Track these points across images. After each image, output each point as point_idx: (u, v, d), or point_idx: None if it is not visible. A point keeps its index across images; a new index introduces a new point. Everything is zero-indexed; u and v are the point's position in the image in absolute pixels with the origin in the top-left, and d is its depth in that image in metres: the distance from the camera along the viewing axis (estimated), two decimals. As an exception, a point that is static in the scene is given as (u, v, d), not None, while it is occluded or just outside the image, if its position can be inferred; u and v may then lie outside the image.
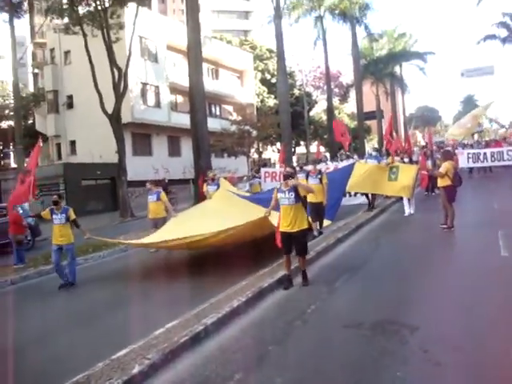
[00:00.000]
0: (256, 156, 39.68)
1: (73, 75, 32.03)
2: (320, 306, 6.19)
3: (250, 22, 73.28)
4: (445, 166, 10.62)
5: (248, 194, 14.71)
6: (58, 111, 34.06)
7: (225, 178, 16.09)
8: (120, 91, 22.87)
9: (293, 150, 38.36)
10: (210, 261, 9.55)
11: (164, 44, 33.72)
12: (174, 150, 35.25)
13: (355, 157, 21.02)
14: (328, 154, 37.85)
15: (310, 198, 10.49)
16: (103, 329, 6.26)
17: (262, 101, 44.39)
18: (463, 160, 20.71)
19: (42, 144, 12.25)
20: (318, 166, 14.59)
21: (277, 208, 7.35)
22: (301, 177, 10.99)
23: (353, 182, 13.07)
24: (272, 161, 44.32)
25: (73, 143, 33.60)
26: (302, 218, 7.03)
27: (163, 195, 12.06)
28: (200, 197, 16.17)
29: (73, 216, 9.02)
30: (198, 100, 20.85)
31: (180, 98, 35.59)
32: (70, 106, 33.49)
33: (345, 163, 17.03)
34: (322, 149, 47.09)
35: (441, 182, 10.77)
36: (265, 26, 47.34)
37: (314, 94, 50.55)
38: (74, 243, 9.19)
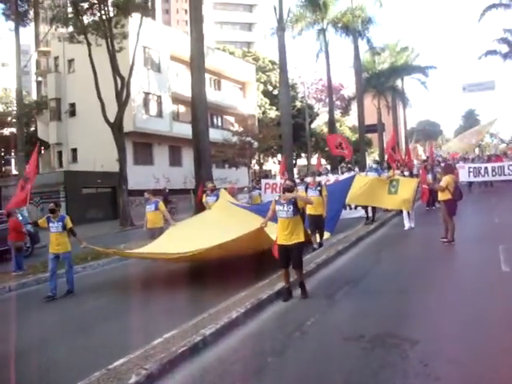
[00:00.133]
0: (257, 167, 39.72)
1: (76, 83, 32.20)
2: (319, 318, 6.15)
3: (253, 34, 73.90)
4: (445, 180, 10.62)
5: (247, 205, 14.74)
6: (61, 119, 34.18)
7: (225, 189, 16.11)
8: (122, 100, 22.98)
9: (294, 161, 38.40)
10: (209, 271, 9.50)
11: (167, 54, 33.93)
12: (175, 160, 35.31)
13: (356, 169, 21.09)
14: (329, 167, 37.90)
15: (310, 211, 10.49)
16: (100, 338, 6.22)
17: (263, 112, 44.56)
18: (464, 174, 20.74)
19: (39, 150, 12.28)
20: (319, 179, 14.63)
21: (274, 219, 7.31)
22: (300, 188, 10.98)
23: (352, 194, 13.03)
24: (273, 172, 44.37)
25: (74, 151, 33.66)
26: (299, 230, 6.95)
27: (161, 205, 12.02)
28: (197, 207, 16.20)
29: (69, 224, 8.96)
30: (200, 110, 20.91)
31: (182, 108, 35.75)
32: (73, 113, 33.62)
33: (346, 176, 17.03)
34: (323, 161, 47.18)
35: (441, 196, 10.76)
36: (268, 38, 47.37)
37: (316, 107, 50.75)
38: (71, 251, 9.13)
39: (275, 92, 44.36)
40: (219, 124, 40.89)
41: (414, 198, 13.07)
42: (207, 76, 27.09)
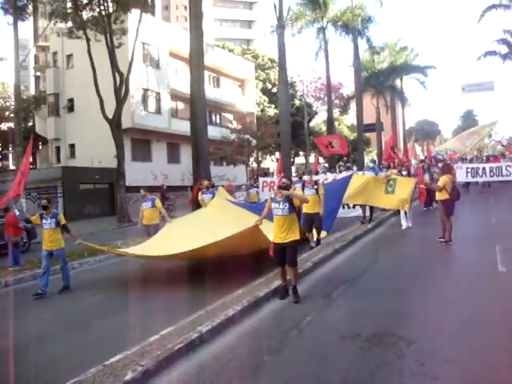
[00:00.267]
0: (255, 165, 39.71)
1: (74, 79, 32.11)
2: (316, 317, 6.15)
3: (252, 32, 73.78)
4: (443, 180, 10.62)
5: (244, 203, 14.75)
6: (59, 114, 34.08)
7: (222, 187, 16.11)
8: (121, 96, 22.94)
9: (292, 160, 38.40)
10: (206, 269, 9.50)
11: (166, 50, 33.85)
12: (173, 157, 35.26)
13: (354, 168, 21.10)
14: (327, 165, 37.91)
15: (306, 209, 10.48)
16: (97, 334, 6.21)
17: (262, 110, 44.53)
18: (462, 174, 20.77)
19: (34, 145, 12.29)
20: (317, 177, 14.63)
21: (269, 217, 7.29)
22: (298, 187, 10.99)
23: (350, 193, 13.01)
24: (271, 170, 44.36)
25: (72, 147, 33.57)
26: (294, 228, 6.92)
27: (158, 202, 12.04)
28: (190, 204, 16.24)
29: (63, 221, 8.91)
30: (199, 107, 20.85)
31: (181, 105, 35.68)
32: (71, 109, 33.53)
33: (344, 174, 17.03)
34: (322, 160, 47.18)
35: (439, 196, 10.77)
36: (267, 36, 47.29)
37: (315, 105, 50.71)
38: (65, 248, 9.07)
39: (274, 90, 44.31)
40: (218, 121, 40.84)
41: (411, 198, 13.06)
42: (206, 73, 27.01)
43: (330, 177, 17.68)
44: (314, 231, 10.98)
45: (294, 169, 39.08)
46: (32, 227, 15.02)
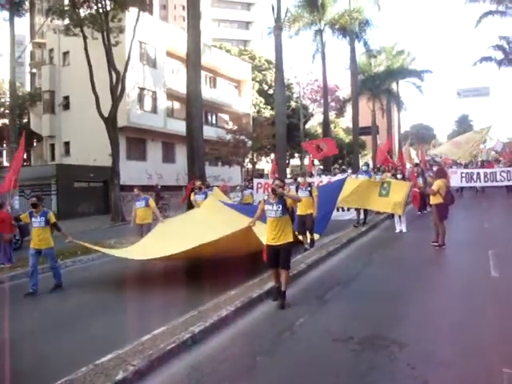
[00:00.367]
0: (250, 166, 39.71)
1: (70, 76, 31.96)
2: (309, 319, 6.15)
3: (250, 33, 73.79)
4: (437, 184, 10.66)
5: (237, 205, 14.74)
6: (54, 112, 33.92)
7: (217, 187, 16.12)
8: (117, 95, 22.86)
9: (287, 162, 38.43)
10: (200, 269, 9.47)
11: (163, 50, 33.79)
12: (169, 157, 35.18)
13: (349, 171, 21.14)
14: (322, 167, 37.95)
15: (300, 211, 10.50)
16: (88, 333, 6.17)
17: (258, 111, 44.53)
18: (456, 179, 20.83)
19: (28, 142, 12.24)
20: (312, 179, 14.65)
21: (263, 219, 7.24)
22: (292, 188, 10.99)
23: (343, 197, 12.99)
24: (266, 171, 44.37)
25: (67, 144, 33.40)
26: (287, 231, 6.86)
27: (152, 201, 12.01)
28: (183, 203, 16.26)
29: (53, 219, 8.76)
30: (195, 107, 20.84)
31: (177, 105, 35.65)
32: (66, 107, 33.37)
33: (339, 177, 17.05)
34: (317, 162, 47.20)
35: (433, 200, 10.81)
36: (265, 37, 47.36)
37: (311, 107, 50.75)
38: (58, 246, 8.96)
39: (270, 91, 44.32)
40: (213, 122, 40.82)
41: (405, 202, 13.08)
42: (203, 73, 27.00)
43: (325, 179, 17.71)
44: (308, 233, 10.99)
45: (288, 170, 39.12)
46: (25, 224, 14.93)
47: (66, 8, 22.71)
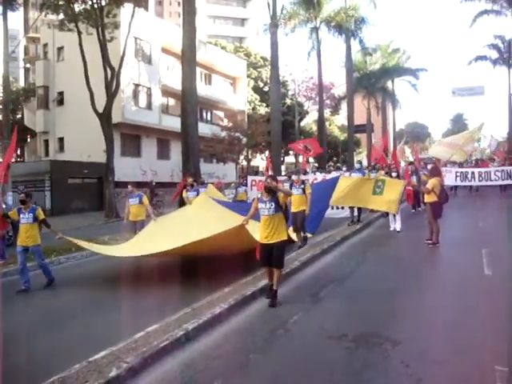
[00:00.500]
0: (245, 163, 39.68)
1: (65, 72, 31.79)
2: (303, 316, 6.15)
3: (245, 29, 73.61)
4: (431, 182, 10.68)
5: (230, 201, 14.71)
6: (48, 107, 33.74)
7: (212, 184, 16.09)
8: (112, 91, 22.76)
9: (282, 159, 38.41)
10: (194, 267, 9.45)
11: (159, 46, 33.66)
12: (163, 153, 35.09)
13: (344, 169, 21.17)
14: (316, 165, 38.00)
15: (293, 208, 10.49)
16: (81, 330, 6.15)
17: (253, 108, 44.47)
18: (451, 178, 20.89)
19: (19, 136, 12.10)
20: (307, 177, 14.63)
21: (257, 217, 7.19)
22: (286, 185, 10.96)
23: (336, 196, 12.85)
24: (261, 168, 44.34)
25: (61, 140, 33.24)
26: (281, 229, 6.80)
27: (145, 199, 11.94)
28: (175, 199, 16.30)
29: (41, 216, 8.67)
30: (191, 104, 20.78)
31: (172, 101, 35.54)
32: (61, 102, 33.19)
33: (333, 174, 17.03)
34: (311, 160, 47.18)
35: (427, 198, 10.83)
36: (260, 34, 47.31)
37: (306, 105, 50.72)
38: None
39: (266, 88, 44.33)
40: (208, 118, 40.74)
41: (399, 200, 13.02)
42: (198, 70, 26.91)
43: (320, 176, 17.69)
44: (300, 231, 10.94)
45: (283, 168, 39.12)
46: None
47: (60, 3, 22.51)
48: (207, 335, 5.57)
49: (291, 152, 47.42)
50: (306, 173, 19.02)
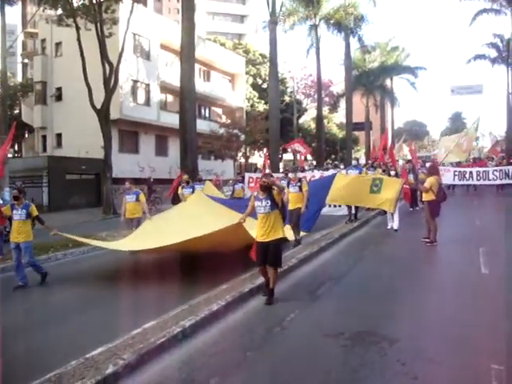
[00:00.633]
0: (243, 160, 39.65)
1: (63, 67, 31.69)
2: (300, 314, 6.15)
3: (244, 26, 73.49)
4: (429, 181, 10.69)
5: (226, 198, 14.70)
6: (46, 103, 33.62)
7: (210, 181, 16.07)
8: (110, 87, 22.69)
9: (280, 156, 38.41)
10: (191, 263, 9.46)
11: (157, 42, 33.58)
12: (161, 150, 35.05)
13: (341, 166, 21.19)
14: (314, 162, 37.99)
15: (290, 206, 10.46)
16: (78, 326, 6.14)
17: (252, 105, 44.42)
18: (449, 177, 20.93)
19: (18, 132, 12.04)
20: (304, 174, 14.61)
21: (253, 215, 7.16)
22: (283, 183, 10.93)
23: (333, 194, 12.72)
24: (259, 165, 44.33)
25: (59, 136, 33.15)
26: (277, 226, 6.75)
27: (142, 196, 11.85)
28: (173, 197, 16.29)
29: (35, 212, 8.56)
30: (189, 100, 20.77)
31: (170, 98, 35.48)
32: (59, 98, 33.08)
33: (331, 172, 17.01)
34: (309, 157, 47.17)
35: (425, 197, 10.84)
36: (259, 31, 47.27)
37: (304, 102, 50.63)
38: (32, 241, 8.68)
39: (264, 85, 44.25)
40: (207, 115, 40.70)
41: (397, 199, 12.95)
42: (197, 66, 26.86)
43: (317, 174, 17.69)
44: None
45: (281, 165, 39.08)
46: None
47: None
48: (204, 332, 5.58)
49: (289, 149, 47.41)
50: (303, 170, 19.01)
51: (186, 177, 14.15)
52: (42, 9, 25.39)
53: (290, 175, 11.48)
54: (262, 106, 44.19)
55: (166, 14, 65.39)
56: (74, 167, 27.58)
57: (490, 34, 47.67)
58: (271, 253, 6.68)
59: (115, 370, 4.36)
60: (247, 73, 45.09)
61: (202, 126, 30.71)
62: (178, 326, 5.41)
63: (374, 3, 36.83)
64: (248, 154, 39.22)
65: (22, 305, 7.56)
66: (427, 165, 16.04)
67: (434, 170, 11.48)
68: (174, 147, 32.27)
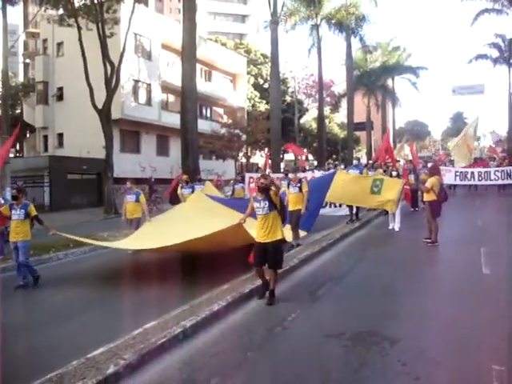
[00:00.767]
0: (244, 160, 39.65)
1: (64, 67, 31.70)
2: (301, 314, 6.15)
3: (246, 26, 73.43)
4: (431, 181, 10.67)
5: (226, 198, 14.68)
6: (48, 103, 33.65)
7: (210, 181, 16.07)
8: (111, 87, 22.70)
9: (281, 156, 38.39)
10: (193, 263, 9.45)
11: (159, 42, 33.58)
12: (163, 150, 35.05)
13: (342, 166, 21.15)
14: (315, 162, 38.00)
15: (290, 207, 10.44)
16: (80, 326, 6.15)
17: (253, 105, 44.40)
18: (450, 177, 20.89)
19: (21, 132, 12.05)
20: (305, 174, 14.60)
21: (254, 215, 7.12)
22: (284, 183, 10.91)
23: (332, 192, 12.67)
24: (260, 165, 44.30)
25: (60, 136, 33.16)
26: (276, 228, 6.72)
27: (142, 197, 11.83)
28: (171, 197, 16.28)
29: (34, 212, 8.54)
30: (190, 100, 20.78)
31: (171, 98, 35.48)
32: (60, 98, 33.10)
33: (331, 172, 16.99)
34: (311, 157, 47.20)
35: (426, 197, 10.81)
36: (260, 31, 47.24)
37: (306, 102, 50.64)
38: (30, 241, 8.65)
39: (266, 85, 44.25)
40: (208, 115, 40.69)
41: (398, 200, 12.91)
42: (198, 66, 26.87)
43: (318, 174, 17.66)
44: (300, 230, 10.86)
45: (282, 165, 39.08)
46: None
47: (60, -2, 22.44)
48: (205, 332, 5.57)
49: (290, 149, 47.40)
50: (304, 170, 19.00)
51: (185, 177, 14.16)
52: (43, 9, 25.37)
53: (290, 175, 11.45)
54: (263, 106, 44.16)
55: (167, 13, 65.37)
56: (76, 167, 27.60)
57: (491, 33, 47.70)
58: (271, 254, 6.67)
59: (116, 370, 4.36)
60: (248, 73, 45.07)
61: (203, 125, 30.73)
62: (179, 327, 5.41)
63: (376, 3, 36.84)
64: (249, 154, 39.22)
65: (23, 304, 7.57)
66: (429, 165, 15.97)
67: (435, 170, 11.44)
68: (175, 147, 32.25)
